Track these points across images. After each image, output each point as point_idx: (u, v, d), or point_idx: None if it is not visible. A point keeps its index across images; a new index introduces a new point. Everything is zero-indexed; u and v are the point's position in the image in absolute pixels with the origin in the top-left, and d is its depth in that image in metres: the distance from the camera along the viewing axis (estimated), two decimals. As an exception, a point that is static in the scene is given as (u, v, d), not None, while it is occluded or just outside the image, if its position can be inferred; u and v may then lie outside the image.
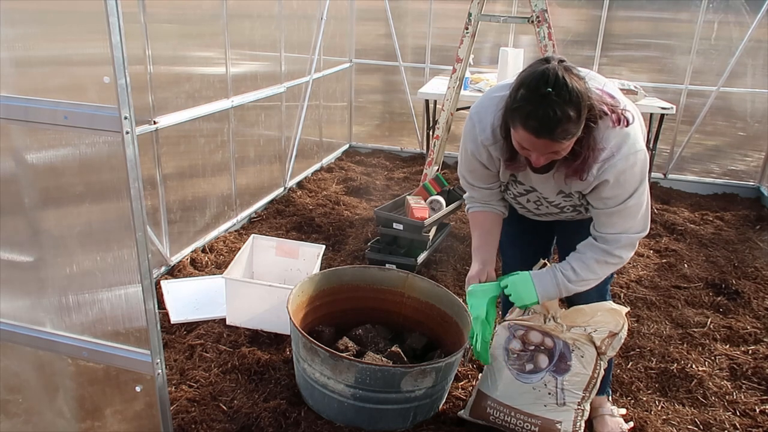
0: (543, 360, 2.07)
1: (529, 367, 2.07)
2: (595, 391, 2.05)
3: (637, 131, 1.67)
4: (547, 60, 1.52)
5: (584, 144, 1.58)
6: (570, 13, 5.18)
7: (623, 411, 2.28)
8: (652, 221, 4.34)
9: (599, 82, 1.70)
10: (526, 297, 1.87)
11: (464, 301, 2.12)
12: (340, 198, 4.45)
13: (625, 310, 2.03)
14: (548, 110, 1.44)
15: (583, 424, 2.06)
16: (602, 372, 2.04)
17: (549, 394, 2.05)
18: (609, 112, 1.59)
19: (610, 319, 2.02)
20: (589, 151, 1.58)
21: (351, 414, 2.12)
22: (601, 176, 1.64)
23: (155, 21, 2.83)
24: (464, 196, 2.07)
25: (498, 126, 1.68)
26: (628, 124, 1.63)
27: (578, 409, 2.05)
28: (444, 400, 2.30)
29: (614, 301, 3.14)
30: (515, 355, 2.09)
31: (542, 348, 2.07)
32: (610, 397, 2.29)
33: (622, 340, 2.04)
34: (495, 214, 2.00)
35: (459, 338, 2.29)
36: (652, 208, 4.55)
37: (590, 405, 2.22)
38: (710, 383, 2.51)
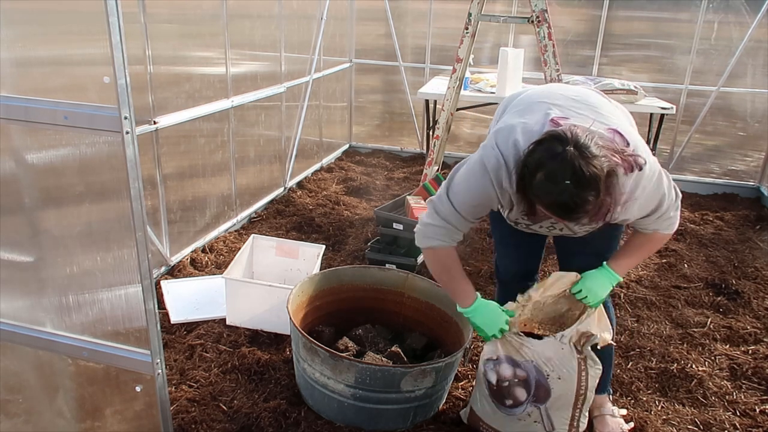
0: (521, 393, 1.98)
1: (509, 402, 2.00)
2: (588, 402, 1.99)
3: (649, 164, 1.65)
4: (560, 140, 1.52)
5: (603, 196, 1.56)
6: (570, 13, 5.18)
7: (624, 411, 2.28)
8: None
9: (607, 118, 1.69)
10: (602, 292, 1.92)
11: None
12: (340, 198, 4.45)
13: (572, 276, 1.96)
14: (569, 201, 1.50)
15: None
16: (591, 380, 1.95)
17: (535, 422, 2.00)
18: (621, 162, 1.56)
19: (568, 303, 1.97)
20: (611, 201, 1.56)
21: (351, 414, 2.12)
22: (626, 213, 1.70)
23: (155, 21, 2.83)
24: (423, 229, 1.87)
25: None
26: (641, 169, 1.61)
27: (572, 427, 2.01)
28: (444, 400, 2.30)
29: (614, 301, 3.15)
30: (495, 389, 2.02)
31: (516, 380, 1.98)
32: (610, 396, 2.28)
33: (607, 331, 1.94)
34: (453, 247, 1.91)
35: (459, 338, 2.29)
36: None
37: (591, 405, 2.22)
38: (710, 383, 2.51)
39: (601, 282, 1.92)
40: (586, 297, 1.93)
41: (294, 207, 4.22)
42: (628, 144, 1.64)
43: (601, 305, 1.98)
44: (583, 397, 1.97)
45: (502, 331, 1.94)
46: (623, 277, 1.94)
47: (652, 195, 1.71)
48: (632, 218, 1.76)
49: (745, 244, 3.97)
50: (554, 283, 1.98)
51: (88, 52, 1.51)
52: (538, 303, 2.01)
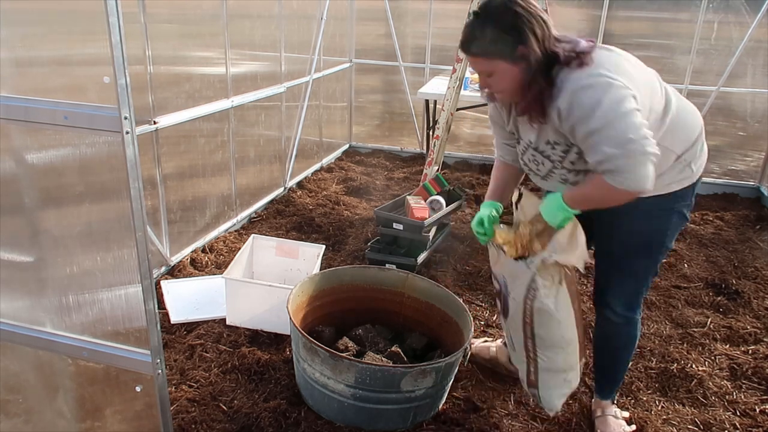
0: (498, 304, 2.14)
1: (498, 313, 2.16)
2: (543, 342, 1.93)
3: (601, 65, 1.61)
4: None
5: (532, 80, 1.65)
6: (570, 13, 5.18)
7: (626, 414, 2.28)
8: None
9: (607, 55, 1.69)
10: (552, 216, 1.81)
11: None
12: (340, 198, 4.45)
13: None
14: (468, 29, 1.66)
15: (538, 374, 2.04)
16: (537, 315, 1.87)
17: (508, 337, 2.12)
18: (572, 55, 1.62)
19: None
20: (536, 85, 1.63)
21: (351, 414, 2.12)
22: (559, 108, 1.63)
23: (155, 21, 2.83)
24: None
25: None
26: (586, 64, 1.62)
27: (530, 358, 2.01)
28: (444, 400, 2.30)
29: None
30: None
31: (495, 292, 2.14)
32: (615, 402, 2.28)
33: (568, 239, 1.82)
34: (514, 167, 2.08)
35: (459, 338, 2.29)
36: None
37: (595, 406, 2.22)
38: (710, 383, 2.51)
39: (550, 206, 1.81)
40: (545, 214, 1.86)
41: (294, 207, 4.22)
42: (589, 48, 1.65)
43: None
44: (530, 329, 1.92)
45: (482, 224, 2.00)
46: (574, 209, 1.77)
47: (583, 96, 1.58)
48: (568, 127, 1.65)
49: (745, 244, 3.97)
50: (527, 204, 1.98)
51: (88, 52, 1.50)
52: (524, 222, 1.96)
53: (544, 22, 1.63)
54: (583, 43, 1.68)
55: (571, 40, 1.68)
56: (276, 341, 2.65)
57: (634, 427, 2.23)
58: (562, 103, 1.62)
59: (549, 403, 2.07)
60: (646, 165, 1.57)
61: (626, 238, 1.93)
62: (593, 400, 2.30)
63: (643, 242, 1.92)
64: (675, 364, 2.62)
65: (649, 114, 1.71)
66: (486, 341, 2.59)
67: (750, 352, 2.75)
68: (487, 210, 2.03)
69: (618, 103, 1.57)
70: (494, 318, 2.93)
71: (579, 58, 1.62)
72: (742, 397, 2.45)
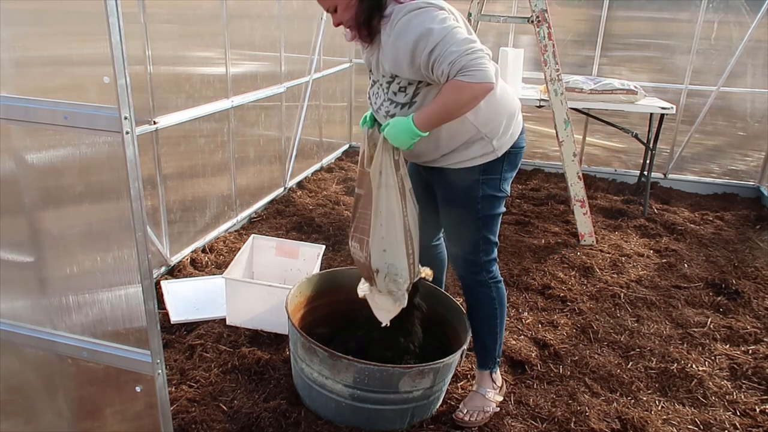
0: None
1: None
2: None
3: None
4: None
5: (364, 6, 1.82)
6: (570, 13, 5.18)
7: (500, 398, 2.30)
8: (652, 221, 4.34)
9: None
10: (403, 133, 1.91)
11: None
12: (340, 198, 4.45)
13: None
14: None
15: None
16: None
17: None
18: None
19: None
20: (369, 13, 1.82)
21: (349, 414, 2.12)
22: (388, 35, 1.81)
23: (155, 21, 2.83)
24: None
25: None
26: None
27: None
28: (441, 401, 2.30)
29: (613, 302, 3.16)
30: None
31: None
32: (493, 374, 2.31)
33: None
34: None
35: (457, 339, 2.29)
36: (652, 207, 4.56)
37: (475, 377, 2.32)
38: (710, 383, 2.51)
39: (396, 127, 1.91)
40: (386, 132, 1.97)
41: (294, 207, 4.22)
42: None
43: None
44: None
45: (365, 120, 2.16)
46: (423, 130, 1.87)
47: (418, 20, 1.75)
48: (399, 48, 1.80)
49: (745, 244, 3.97)
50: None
51: (88, 52, 1.51)
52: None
53: None
54: None
55: None
56: (276, 341, 2.65)
57: (498, 409, 2.26)
58: (397, 29, 1.79)
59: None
60: (486, 60, 1.76)
61: (445, 205, 2.17)
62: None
63: (459, 209, 2.11)
64: (675, 364, 2.62)
65: None
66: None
67: (750, 352, 2.75)
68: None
69: (445, 20, 1.77)
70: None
71: None
72: (742, 397, 2.46)
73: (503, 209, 2.13)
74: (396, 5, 1.81)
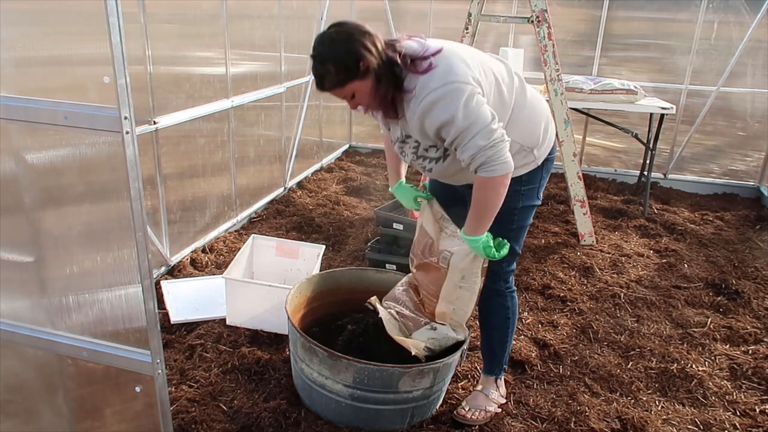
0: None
1: None
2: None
3: (447, 70, 1.76)
4: (335, 24, 1.78)
5: (381, 87, 1.80)
6: (570, 13, 5.18)
7: (503, 400, 2.31)
8: (652, 221, 4.35)
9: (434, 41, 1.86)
10: (476, 249, 1.98)
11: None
12: (340, 198, 4.45)
13: None
14: (315, 72, 1.78)
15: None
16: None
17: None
18: (407, 61, 1.78)
19: None
20: (387, 92, 1.81)
21: (349, 414, 2.12)
22: (414, 111, 1.80)
23: (155, 21, 2.83)
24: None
25: None
26: (430, 70, 1.77)
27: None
28: (441, 401, 2.30)
29: (614, 302, 3.16)
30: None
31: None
32: (498, 381, 2.32)
33: None
34: None
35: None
36: (651, 207, 4.56)
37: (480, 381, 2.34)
38: (710, 383, 2.51)
39: (473, 251, 1.99)
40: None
41: (294, 207, 4.22)
42: (426, 53, 1.79)
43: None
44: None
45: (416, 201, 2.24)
46: (481, 233, 1.93)
47: (444, 105, 1.74)
48: (428, 129, 1.81)
49: (745, 244, 3.97)
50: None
51: (88, 52, 1.51)
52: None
53: (371, 34, 1.78)
54: (414, 45, 1.83)
55: (404, 44, 1.84)
56: (276, 341, 2.65)
57: (500, 410, 2.27)
58: (422, 108, 1.77)
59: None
60: (506, 149, 1.79)
61: None
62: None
63: (495, 220, 2.07)
64: (675, 364, 2.62)
65: (494, 100, 1.87)
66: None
67: (750, 352, 2.75)
68: (407, 193, 2.27)
69: (469, 102, 1.75)
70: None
71: (414, 64, 1.78)
72: (742, 397, 2.46)
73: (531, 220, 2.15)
74: (418, 77, 1.78)
